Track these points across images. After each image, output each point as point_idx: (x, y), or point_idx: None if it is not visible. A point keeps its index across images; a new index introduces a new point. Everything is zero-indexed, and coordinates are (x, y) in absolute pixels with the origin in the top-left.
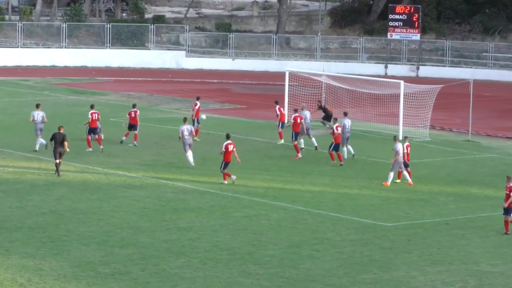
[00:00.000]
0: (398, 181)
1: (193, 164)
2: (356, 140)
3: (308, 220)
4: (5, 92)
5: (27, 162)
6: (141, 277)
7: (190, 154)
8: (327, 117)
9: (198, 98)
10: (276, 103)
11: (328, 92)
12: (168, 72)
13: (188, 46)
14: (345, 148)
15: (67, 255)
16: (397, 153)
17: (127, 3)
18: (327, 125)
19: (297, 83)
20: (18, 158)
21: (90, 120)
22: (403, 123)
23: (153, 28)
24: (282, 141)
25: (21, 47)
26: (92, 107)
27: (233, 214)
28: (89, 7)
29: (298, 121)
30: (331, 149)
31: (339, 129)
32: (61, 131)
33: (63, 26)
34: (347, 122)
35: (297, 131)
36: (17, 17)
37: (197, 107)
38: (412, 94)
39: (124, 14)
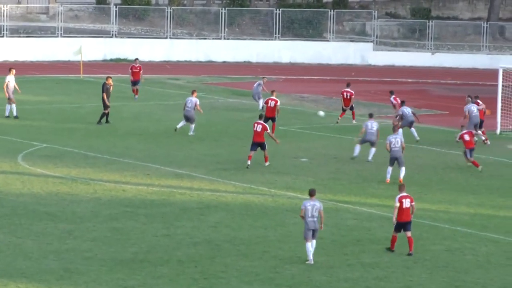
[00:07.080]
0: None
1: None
2: None
3: None
4: (151, 94)
5: (176, 179)
6: None
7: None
8: None
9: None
10: None
11: None
12: (351, 69)
13: (377, 37)
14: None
15: None
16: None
17: None
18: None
19: None
20: (165, 175)
21: (265, 108)
22: None
23: (333, 14)
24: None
25: (170, 37)
26: (272, 92)
27: (431, 248)
28: None
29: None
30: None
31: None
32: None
33: (222, 12)
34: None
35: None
36: (166, 1)
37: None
38: None
39: None
